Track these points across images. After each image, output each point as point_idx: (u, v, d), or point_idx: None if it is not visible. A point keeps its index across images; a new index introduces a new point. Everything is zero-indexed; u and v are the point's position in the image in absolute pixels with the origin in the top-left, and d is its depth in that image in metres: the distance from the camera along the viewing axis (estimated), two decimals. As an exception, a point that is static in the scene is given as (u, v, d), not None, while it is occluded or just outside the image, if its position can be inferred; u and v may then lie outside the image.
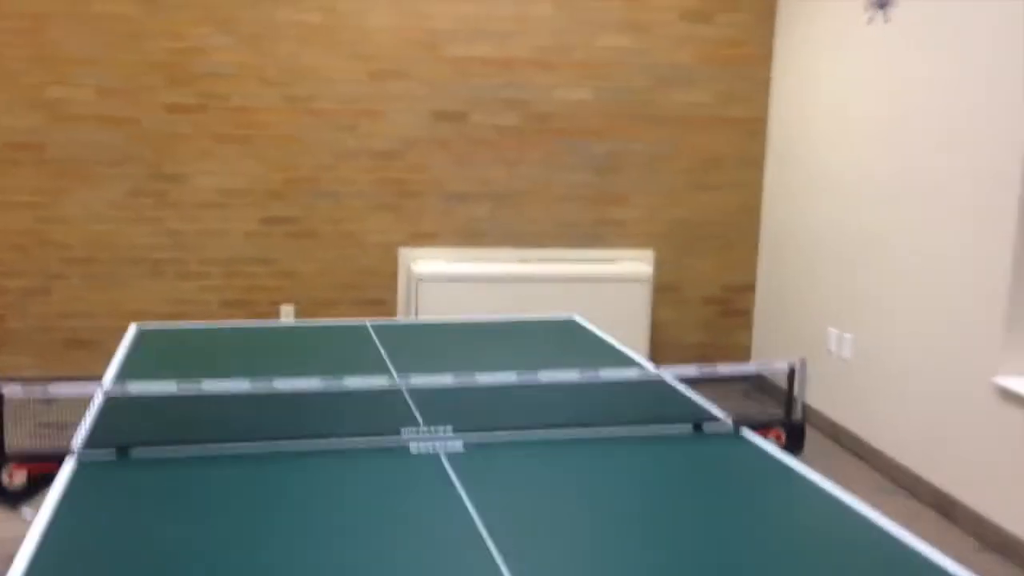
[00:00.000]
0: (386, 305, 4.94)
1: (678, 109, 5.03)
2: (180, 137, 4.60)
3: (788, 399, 2.27)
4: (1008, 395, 3.36)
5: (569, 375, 2.27)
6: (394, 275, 4.93)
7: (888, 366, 4.08)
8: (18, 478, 1.87)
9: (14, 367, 4.63)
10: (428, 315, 4.76)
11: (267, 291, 4.82)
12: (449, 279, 4.72)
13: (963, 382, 3.60)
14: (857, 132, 4.31)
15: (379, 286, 4.93)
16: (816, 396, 4.70)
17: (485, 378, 2.25)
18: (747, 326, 5.39)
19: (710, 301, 5.31)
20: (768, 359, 5.16)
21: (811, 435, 4.63)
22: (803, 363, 2.28)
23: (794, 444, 2.26)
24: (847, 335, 4.39)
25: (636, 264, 5.02)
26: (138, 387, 2.08)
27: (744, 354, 5.40)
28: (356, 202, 4.80)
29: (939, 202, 3.74)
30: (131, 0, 4.45)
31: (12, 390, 1.93)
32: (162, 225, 4.66)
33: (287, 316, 4.84)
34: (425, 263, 4.82)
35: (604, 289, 4.81)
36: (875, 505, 3.85)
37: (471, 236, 4.95)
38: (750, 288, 5.34)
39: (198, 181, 4.65)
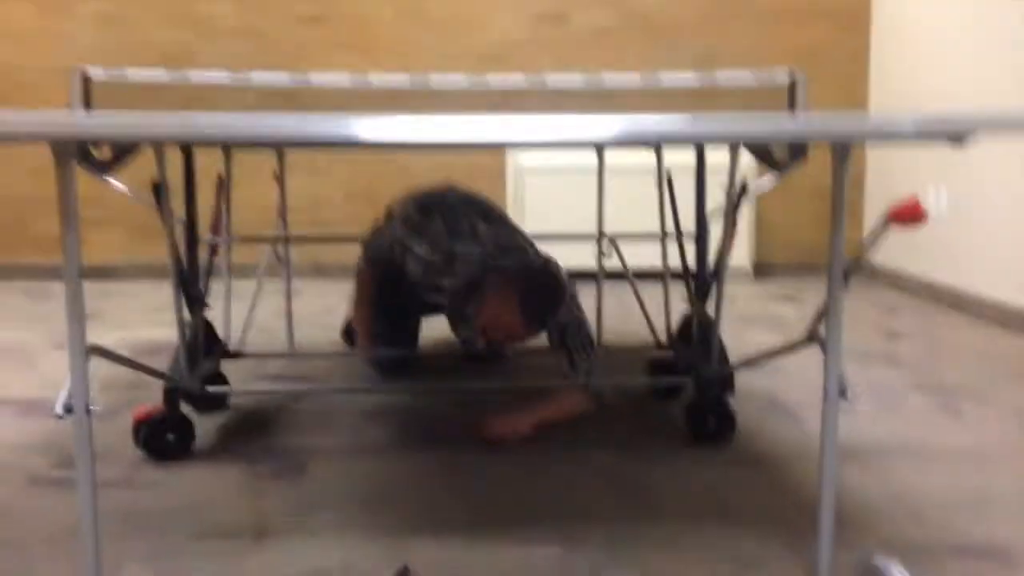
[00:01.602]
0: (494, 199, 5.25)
1: (776, 3, 5.14)
2: (305, 46, 5.13)
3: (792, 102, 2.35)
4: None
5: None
6: (502, 171, 5.24)
7: (981, 213, 4.03)
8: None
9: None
10: (533, 206, 5.03)
11: (389, 187, 5.25)
12: (555, 171, 4.98)
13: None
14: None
15: (488, 180, 5.25)
16: (914, 261, 4.65)
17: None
18: (857, 224, 5.38)
19: (817, 195, 5.33)
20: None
21: (906, 298, 4.58)
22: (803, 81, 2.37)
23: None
24: (943, 193, 4.35)
25: (723, 154, 5.11)
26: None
27: (855, 248, 5.37)
28: (466, 102, 5.17)
29: None
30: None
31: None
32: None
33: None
34: (531, 156, 5.11)
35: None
36: (961, 339, 3.83)
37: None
38: (858, 182, 5.33)
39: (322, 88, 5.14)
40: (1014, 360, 3.26)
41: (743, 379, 2.88)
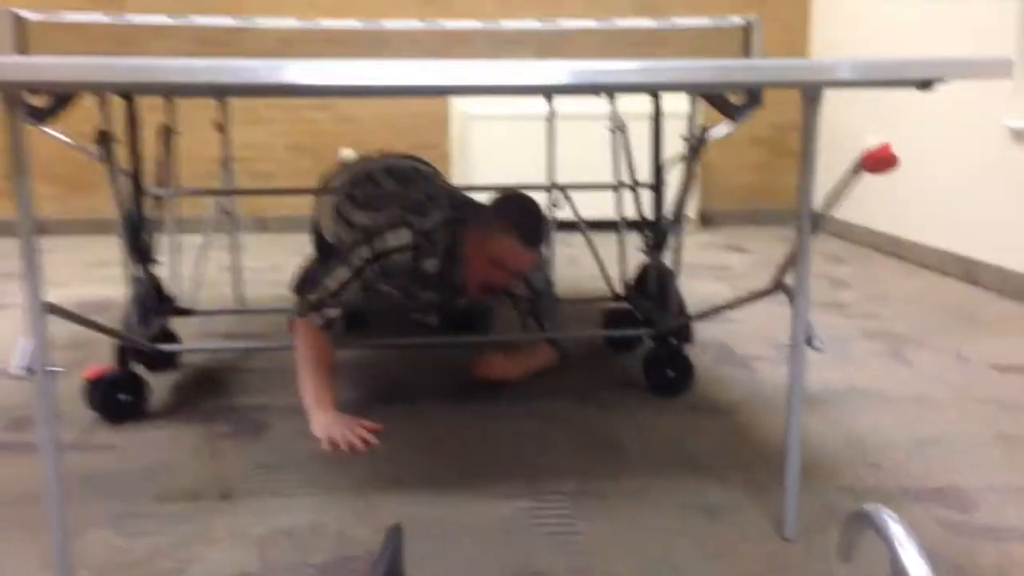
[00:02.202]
0: (438, 148, 5.19)
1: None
2: (244, -8, 4.97)
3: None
4: (1020, 135, 3.39)
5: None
6: (446, 118, 5.18)
7: (920, 164, 4.11)
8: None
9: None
10: (479, 156, 4.97)
11: (332, 137, 5.15)
12: (502, 118, 4.91)
13: (978, 127, 3.63)
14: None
15: (432, 128, 5.18)
16: (856, 211, 4.73)
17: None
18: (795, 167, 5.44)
19: (757, 142, 5.37)
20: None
21: (850, 248, 4.67)
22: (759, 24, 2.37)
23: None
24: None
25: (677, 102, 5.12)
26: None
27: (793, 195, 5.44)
28: (409, 49, 5.07)
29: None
30: None
31: None
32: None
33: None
34: (477, 103, 5.04)
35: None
36: (904, 286, 3.91)
37: (519, 81, 5.15)
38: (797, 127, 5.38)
39: (262, 31, 4.99)
40: (954, 306, 3.34)
41: (697, 329, 2.91)
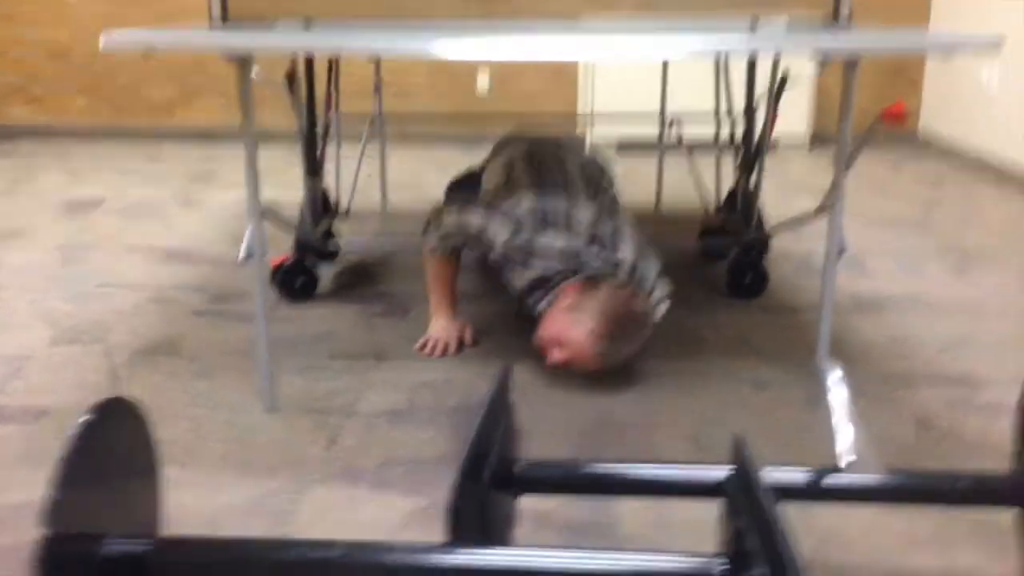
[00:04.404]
0: (566, 75, 5.57)
1: None
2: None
3: None
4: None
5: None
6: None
7: (1026, 86, 4.26)
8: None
9: None
10: (602, 82, 5.35)
11: (468, 65, 5.60)
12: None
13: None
14: None
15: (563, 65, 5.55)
16: (961, 131, 4.90)
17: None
18: (916, 92, 5.59)
19: (879, 68, 5.54)
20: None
21: (952, 170, 4.86)
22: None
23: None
24: (995, 68, 4.57)
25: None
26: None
27: (912, 119, 5.61)
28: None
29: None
30: None
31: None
32: None
33: None
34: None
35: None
36: (996, 210, 4.12)
37: None
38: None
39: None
40: (1037, 229, 3.59)
41: (785, 243, 3.28)
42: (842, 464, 1.23)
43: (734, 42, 1.59)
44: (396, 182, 4.39)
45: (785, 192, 4.26)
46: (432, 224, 2.38)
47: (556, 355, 2.10)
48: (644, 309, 2.14)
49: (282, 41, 1.61)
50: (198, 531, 1.54)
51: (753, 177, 2.87)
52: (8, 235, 3.49)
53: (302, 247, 2.75)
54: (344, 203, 3.33)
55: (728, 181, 3.19)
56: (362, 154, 3.39)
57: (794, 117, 5.30)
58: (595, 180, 2.42)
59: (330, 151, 3.19)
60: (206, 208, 3.94)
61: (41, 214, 3.82)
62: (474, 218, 2.27)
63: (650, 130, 4.28)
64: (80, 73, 5.80)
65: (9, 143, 5.69)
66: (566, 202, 2.23)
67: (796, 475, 1.28)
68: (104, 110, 5.84)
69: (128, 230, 3.55)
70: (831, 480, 1.27)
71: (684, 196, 4.12)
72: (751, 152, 2.92)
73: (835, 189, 1.94)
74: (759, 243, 2.84)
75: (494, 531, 1.32)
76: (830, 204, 1.95)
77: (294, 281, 2.72)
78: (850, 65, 1.83)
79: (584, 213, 2.22)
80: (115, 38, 1.66)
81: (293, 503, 1.64)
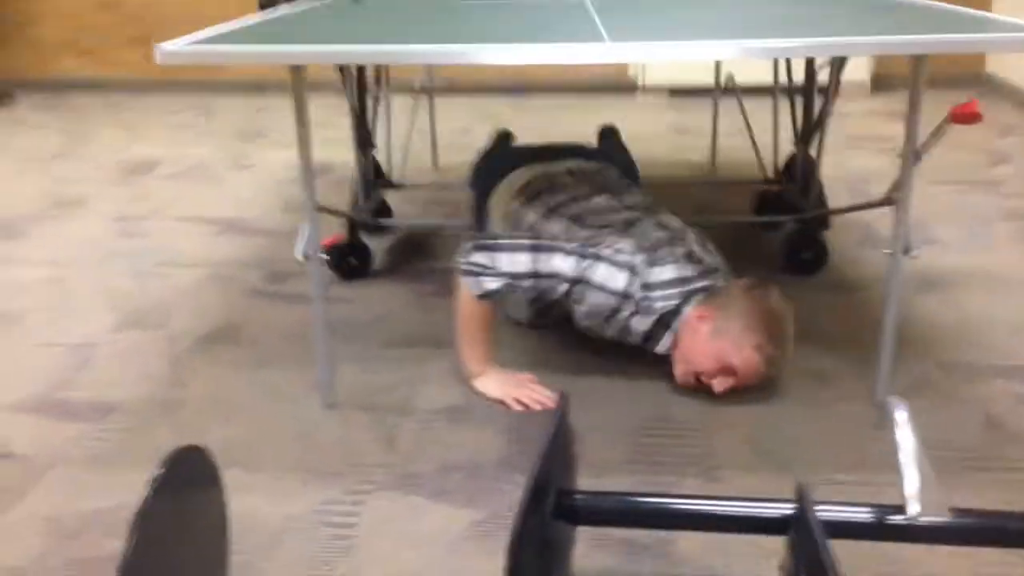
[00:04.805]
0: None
1: None
2: None
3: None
4: None
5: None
6: None
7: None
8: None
9: None
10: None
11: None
12: None
13: None
14: None
15: None
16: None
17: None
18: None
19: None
20: None
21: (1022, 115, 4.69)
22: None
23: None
24: (1069, 11, 4.37)
25: None
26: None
27: (974, 62, 5.40)
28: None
29: None
30: None
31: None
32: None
33: None
34: None
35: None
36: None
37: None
38: (988, -9, 5.29)
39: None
40: (1110, 189, 3.46)
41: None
42: (909, 511, 1.21)
43: (790, 42, 1.52)
44: (445, 136, 4.35)
45: (842, 146, 4.15)
46: (481, 253, 1.99)
47: (726, 384, 1.97)
48: (779, 297, 2.00)
49: (336, 50, 1.58)
50: (261, 544, 1.58)
51: (814, 145, 2.80)
52: (68, 203, 3.54)
53: (355, 225, 2.75)
54: (394, 172, 3.32)
55: (787, 139, 3.11)
56: (412, 126, 3.37)
57: (855, 59, 5.14)
58: (629, 188, 2.32)
59: (381, 116, 3.17)
60: (259, 170, 3.96)
61: (98, 179, 3.87)
62: (562, 263, 1.98)
63: (705, 77, 4.19)
64: (131, 24, 5.80)
65: (61, 97, 5.74)
66: (657, 230, 2.07)
67: (859, 515, 1.27)
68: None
69: (183, 197, 3.58)
70: (894, 520, 1.25)
71: (739, 153, 4.04)
72: (811, 122, 2.84)
73: (903, 184, 1.87)
74: (817, 217, 2.77)
75: (553, 558, 1.34)
76: (897, 202, 1.89)
77: (347, 261, 2.73)
78: (919, 59, 1.76)
79: (664, 233, 2.07)
80: (169, 49, 1.65)
81: (354, 513, 1.67)
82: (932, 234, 3.02)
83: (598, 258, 1.98)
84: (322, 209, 1.96)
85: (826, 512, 1.26)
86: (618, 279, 1.96)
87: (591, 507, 1.36)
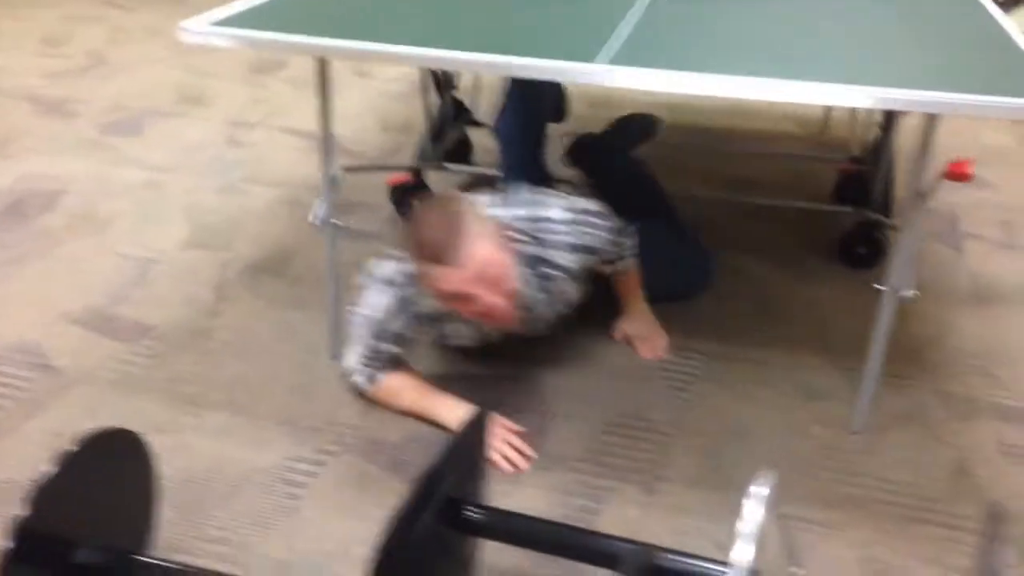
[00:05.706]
0: None
1: None
2: None
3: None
4: None
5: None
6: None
7: None
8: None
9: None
10: None
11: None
12: None
13: None
14: None
15: None
16: None
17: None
18: None
19: None
20: None
21: None
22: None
23: None
24: None
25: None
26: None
27: None
28: None
29: None
30: None
31: None
32: None
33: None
34: None
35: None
36: None
37: None
38: None
39: None
40: None
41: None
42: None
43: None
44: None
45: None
46: (349, 366, 2.00)
47: (491, 301, 1.77)
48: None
49: (362, 47, 1.66)
50: (219, 491, 1.78)
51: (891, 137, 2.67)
52: (190, 99, 3.80)
53: (422, 166, 2.86)
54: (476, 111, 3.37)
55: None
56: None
57: None
58: None
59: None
60: (376, 80, 4.08)
61: (226, 75, 4.11)
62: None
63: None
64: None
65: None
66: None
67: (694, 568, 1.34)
68: None
69: (294, 106, 3.77)
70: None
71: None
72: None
73: (908, 223, 1.81)
74: (883, 212, 2.67)
75: (437, 562, 1.47)
76: (892, 269, 1.82)
77: (408, 199, 2.85)
78: (928, 122, 1.67)
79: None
80: (193, 28, 1.77)
81: (313, 474, 1.84)
82: (962, 228, 2.85)
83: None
84: (348, 169, 2.08)
85: (673, 561, 1.33)
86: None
87: (478, 520, 1.47)
